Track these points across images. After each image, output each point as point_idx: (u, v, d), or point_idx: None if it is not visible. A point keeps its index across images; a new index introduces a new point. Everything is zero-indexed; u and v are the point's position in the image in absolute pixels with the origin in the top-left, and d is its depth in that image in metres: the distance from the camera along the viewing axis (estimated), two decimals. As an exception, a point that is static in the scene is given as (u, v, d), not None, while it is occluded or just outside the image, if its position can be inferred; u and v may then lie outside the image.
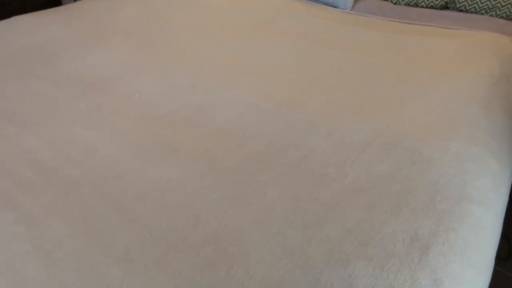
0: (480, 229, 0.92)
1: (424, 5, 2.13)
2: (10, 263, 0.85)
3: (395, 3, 2.20)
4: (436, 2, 2.09)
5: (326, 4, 2.28)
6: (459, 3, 2.04)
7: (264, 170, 1.07)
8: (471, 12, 2.04)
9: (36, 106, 1.33)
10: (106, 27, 1.94)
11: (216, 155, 1.14)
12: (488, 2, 1.98)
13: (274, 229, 0.90)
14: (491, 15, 2.01)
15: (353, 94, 1.40)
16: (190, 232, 0.90)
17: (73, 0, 3.02)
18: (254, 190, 1.00)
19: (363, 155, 1.11)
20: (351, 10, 2.21)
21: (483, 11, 2.01)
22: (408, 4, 2.17)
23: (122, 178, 1.06)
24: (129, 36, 1.84)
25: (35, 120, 1.27)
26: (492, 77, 1.48)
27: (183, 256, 0.85)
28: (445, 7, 2.11)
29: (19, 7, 2.84)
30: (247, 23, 1.99)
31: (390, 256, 0.82)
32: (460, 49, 1.68)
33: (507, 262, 1.66)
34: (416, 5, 2.15)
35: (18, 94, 1.40)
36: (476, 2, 2.00)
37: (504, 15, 1.97)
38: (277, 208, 0.95)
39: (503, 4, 1.95)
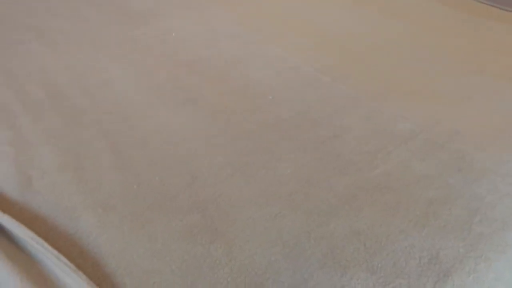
0: (520, 266, 0.75)
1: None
2: (-13, 183, 0.80)
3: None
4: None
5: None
6: None
7: (284, 142, 0.94)
8: None
9: (68, 27, 1.27)
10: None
11: (237, 114, 1.02)
12: None
13: (273, 210, 0.78)
14: None
15: (410, 75, 1.21)
16: (181, 194, 0.80)
17: None
18: (264, 162, 0.88)
19: (402, 149, 0.94)
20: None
21: None
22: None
23: (130, 120, 0.97)
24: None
25: (62, 41, 1.21)
26: None
27: (165, 218, 0.76)
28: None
29: None
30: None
31: (398, 274, 0.68)
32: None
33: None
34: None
35: (54, 11, 1.34)
36: None
37: None
38: (284, 187, 0.82)
39: None
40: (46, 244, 0.68)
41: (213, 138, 0.94)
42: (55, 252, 0.67)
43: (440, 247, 0.73)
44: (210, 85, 1.11)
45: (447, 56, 1.31)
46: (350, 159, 0.91)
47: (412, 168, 0.90)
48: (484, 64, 1.29)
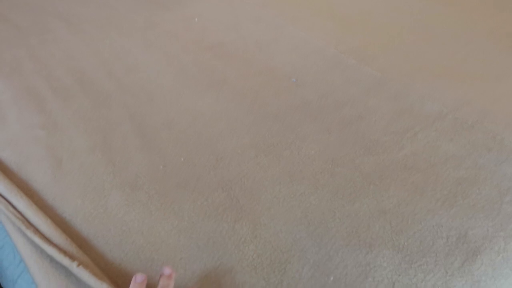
0: (553, 247, 0.73)
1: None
2: (20, 163, 0.83)
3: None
4: None
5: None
6: None
7: (309, 123, 0.94)
8: None
9: (94, 14, 1.29)
10: None
11: (262, 97, 1.02)
12: None
13: (298, 190, 0.78)
14: None
15: (439, 56, 1.18)
16: (206, 173, 0.81)
17: None
18: (289, 143, 0.88)
19: (430, 129, 0.93)
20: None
21: None
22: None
23: (156, 102, 0.99)
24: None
25: (89, 28, 1.23)
26: None
27: (191, 196, 0.77)
28: None
29: None
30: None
31: (425, 253, 0.67)
32: None
33: None
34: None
35: (82, -1, 1.37)
36: None
37: None
38: (309, 167, 0.82)
39: None
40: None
41: (237, 120, 0.94)
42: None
43: (469, 227, 0.71)
44: (235, 68, 1.11)
45: (479, 35, 1.27)
46: (376, 139, 0.90)
47: (440, 148, 0.88)
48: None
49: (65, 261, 0.65)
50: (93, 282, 0.62)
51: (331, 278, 0.64)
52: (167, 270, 0.62)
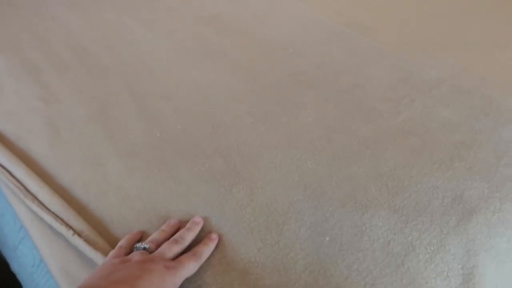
0: (549, 208, 0.73)
1: None
2: (19, 134, 0.83)
3: None
4: None
5: None
6: None
7: (305, 91, 0.94)
8: None
9: (91, -12, 1.28)
10: None
11: (259, 67, 1.02)
12: None
13: (295, 155, 0.78)
14: None
15: (440, 27, 1.18)
16: (204, 140, 0.81)
17: None
18: (287, 110, 0.88)
19: (427, 96, 0.93)
20: None
21: None
22: None
23: (154, 74, 0.99)
24: None
25: (88, 4, 1.23)
26: None
27: (188, 163, 0.77)
28: None
29: None
30: None
31: (421, 213, 0.68)
32: None
33: None
34: None
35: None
36: None
37: None
38: (306, 134, 0.82)
39: None
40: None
41: (234, 90, 0.94)
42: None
43: (465, 188, 0.72)
44: (232, 40, 1.10)
45: (478, 5, 1.26)
46: (373, 106, 0.90)
47: (437, 114, 0.88)
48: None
49: (61, 229, 0.66)
50: (88, 251, 0.63)
51: (327, 238, 0.65)
52: (197, 218, 0.66)
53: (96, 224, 0.69)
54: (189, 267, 0.58)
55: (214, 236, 0.64)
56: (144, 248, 0.60)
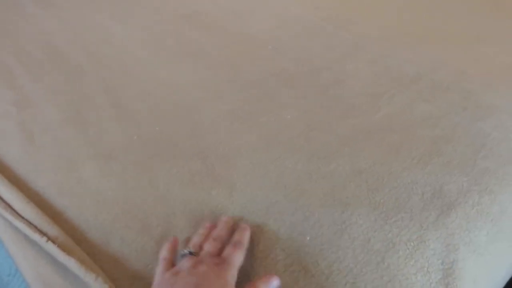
0: (526, 200, 0.74)
1: None
2: (-9, 140, 0.81)
3: None
4: None
5: None
6: None
7: (285, 89, 0.93)
8: None
9: (65, -13, 1.25)
10: None
11: (238, 65, 1.01)
12: None
13: (274, 154, 0.77)
14: None
15: (418, 20, 1.18)
16: (182, 142, 0.80)
17: None
18: (265, 110, 0.87)
19: (406, 91, 0.92)
20: None
21: None
22: None
23: (131, 74, 0.97)
24: None
25: (62, 3, 1.20)
26: None
27: (166, 165, 0.76)
28: None
29: None
30: None
31: (400, 209, 0.67)
32: None
33: None
34: None
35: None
36: None
37: None
38: (285, 133, 0.82)
39: None
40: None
41: (213, 89, 0.93)
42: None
43: (444, 182, 0.72)
44: (211, 37, 1.09)
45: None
46: (352, 103, 0.89)
47: (416, 109, 0.88)
48: (503, 4, 1.24)
49: (34, 236, 0.65)
50: (62, 257, 0.62)
51: (308, 238, 0.64)
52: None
53: (72, 229, 0.67)
54: (238, 257, 0.57)
55: (245, 225, 0.64)
56: (191, 253, 0.58)
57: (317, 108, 0.88)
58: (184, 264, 0.55)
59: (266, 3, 1.22)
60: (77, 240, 0.65)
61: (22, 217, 0.67)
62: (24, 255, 0.66)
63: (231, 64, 1.01)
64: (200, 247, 0.60)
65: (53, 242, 0.63)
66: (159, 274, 0.56)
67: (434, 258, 0.62)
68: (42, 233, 0.65)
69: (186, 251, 0.59)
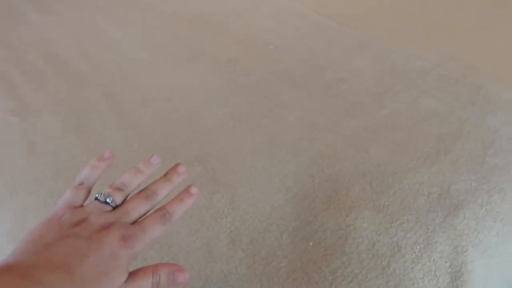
0: (539, 197, 0.71)
1: None
2: (-7, 152, 0.81)
3: None
4: None
5: None
6: None
7: (288, 89, 0.91)
8: None
9: (65, -6, 1.25)
10: None
11: (241, 66, 1.00)
12: None
13: (276, 158, 0.76)
14: None
15: (424, 13, 1.15)
16: (183, 147, 0.79)
17: None
18: (268, 111, 0.86)
19: (412, 87, 0.90)
20: None
21: None
22: None
23: (132, 79, 0.96)
24: None
25: (60, 9, 1.20)
26: None
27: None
28: None
29: None
30: None
31: (406, 211, 0.66)
32: None
33: None
34: None
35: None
36: None
37: None
38: (288, 135, 0.80)
39: None
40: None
41: (216, 91, 0.92)
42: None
43: (451, 182, 0.70)
44: (212, 39, 1.08)
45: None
46: (357, 101, 0.87)
47: (422, 105, 0.85)
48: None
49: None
50: None
51: (311, 243, 0.63)
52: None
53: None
54: (153, 232, 0.43)
55: (194, 191, 0.50)
56: (106, 202, 0.44)
57: (321, 107, 0.86)
58: (92, 215, 0.42)
59: (268, 2, 1.21)
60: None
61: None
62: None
63: (233, 65, 1.00)
64: (125, 196, 0.46)
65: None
66: (60, 205, 0.43)
67: (441, 261, 0.60)
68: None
69: (102, 197, 0.45)
